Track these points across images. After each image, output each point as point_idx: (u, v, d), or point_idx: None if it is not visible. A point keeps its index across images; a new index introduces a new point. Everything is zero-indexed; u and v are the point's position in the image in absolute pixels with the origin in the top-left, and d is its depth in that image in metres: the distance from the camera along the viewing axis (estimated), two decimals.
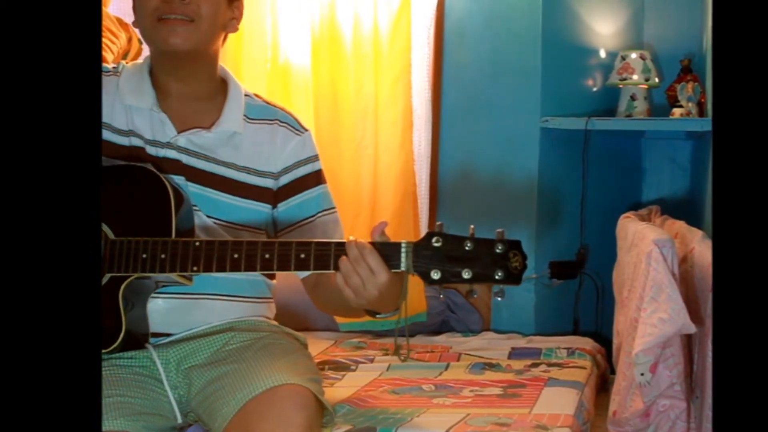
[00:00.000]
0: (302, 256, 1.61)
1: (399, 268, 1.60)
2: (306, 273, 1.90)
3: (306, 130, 1.98)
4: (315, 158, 1.97)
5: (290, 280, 2.02)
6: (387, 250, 1.60)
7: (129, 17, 2.77)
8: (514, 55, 2.99)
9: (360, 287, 1.59)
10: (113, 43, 2.42)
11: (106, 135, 1.84)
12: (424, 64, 3.02)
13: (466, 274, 1.57)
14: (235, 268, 1.64)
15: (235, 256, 1.63)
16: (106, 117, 1.85)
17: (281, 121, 1.95)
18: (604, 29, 3.13)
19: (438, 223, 1.61)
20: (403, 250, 1.59)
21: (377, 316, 1.71)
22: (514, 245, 1.57)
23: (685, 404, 1.91)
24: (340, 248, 1.61)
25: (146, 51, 2.78)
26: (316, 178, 1.96)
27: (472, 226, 1.59)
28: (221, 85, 1.94)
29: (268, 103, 1.99)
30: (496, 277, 1.57)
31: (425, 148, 3.02)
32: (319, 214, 1.93)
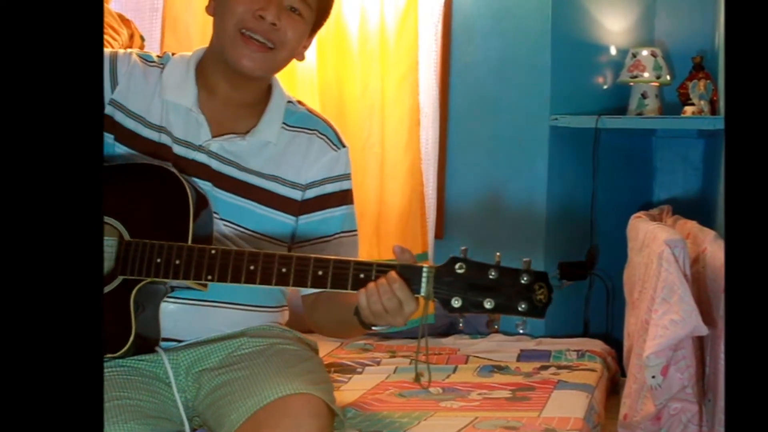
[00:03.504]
0: (320, 273, 1.58)
1: (419, 293, 1.56)
2: (310, 290, 1.84)
3: (344, 146, 1.92)
4: (345, 177, 1.91)
5: None
6: (408, 274, 1.56)
7: (131, 14, 2.78)
8: (523, 52, 2.97)
9: (382, 313, 1.56)
10: (114, 39, 2.40)
11: (139, 129, 1.80)
12: (431, 61, 2.98)
13: (488, 304, 1.51)
14: (250, 280, 1.60)
15: (251, 267, 1.59)
16: (142, 110, 1.81)
17: (320, 133, 1.90)
18: (614, 26, 3.10)
19: (462, 248, 1.56)
20: (424, 275, 1.55)
21: (373, 328, 1.67)
22: (541, 277, 1.52)
23: (696, 407, 1.91)
24: (359, 268, 1.57)
25: (148, 47, 2.79)
26: (341, 198, 1.90)
27: (498, 254, 1.54)
28: (266, 91, 1.90)
29: (311, 111, 1.95)
30: (519, 309, 1.51)
31: (432, 146, 2.99)
32: (338, 235, 1.88)
